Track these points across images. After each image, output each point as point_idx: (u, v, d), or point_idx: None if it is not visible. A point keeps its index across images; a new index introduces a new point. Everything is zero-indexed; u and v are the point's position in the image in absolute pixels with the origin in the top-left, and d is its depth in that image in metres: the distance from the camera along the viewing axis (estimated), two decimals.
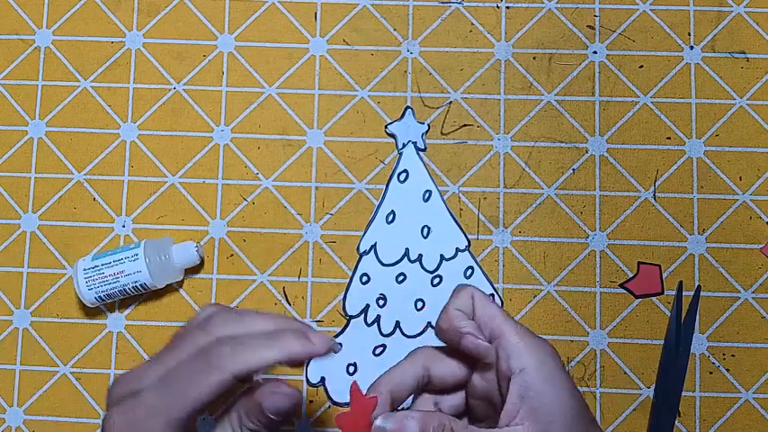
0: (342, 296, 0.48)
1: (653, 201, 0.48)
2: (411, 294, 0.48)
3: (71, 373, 0.48)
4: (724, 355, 0.47)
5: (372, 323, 0.48)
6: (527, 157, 0.49)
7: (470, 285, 0.35)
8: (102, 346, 0.48)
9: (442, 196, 0.48)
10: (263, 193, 0.49)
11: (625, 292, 0.47)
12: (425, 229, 0.48)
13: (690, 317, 0.47)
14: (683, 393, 0.46)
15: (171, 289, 0.48)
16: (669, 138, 0.49)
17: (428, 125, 0.49)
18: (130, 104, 0.50)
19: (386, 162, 0.49)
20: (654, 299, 0.47)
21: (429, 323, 0.47)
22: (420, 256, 0.48)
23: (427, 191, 0.48)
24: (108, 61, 0.51)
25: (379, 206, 0.49)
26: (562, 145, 0.49)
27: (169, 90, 0.50)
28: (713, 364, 0.47)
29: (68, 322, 0.48)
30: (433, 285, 0.48)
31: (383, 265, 0.48)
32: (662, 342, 0.47)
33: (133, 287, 0.46)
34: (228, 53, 0.50)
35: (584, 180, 0.49)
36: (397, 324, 0.47)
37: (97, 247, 0.49)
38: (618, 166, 0.49)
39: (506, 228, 0.48)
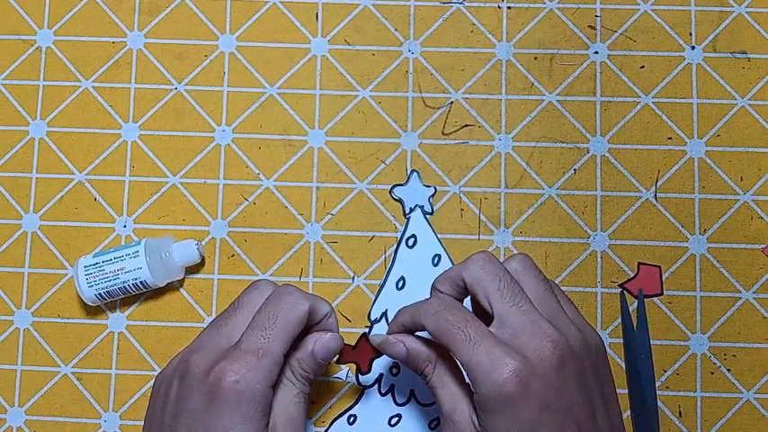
0: (341, 296, 0.48)
1: (654, 201, 0.48)
2: None
3: (72, 373, 0.48)
4: (725, 355, 0.47)
5: (386, 393, 0.46)
6: (528, 158, 0.49)
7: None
8: (104, 346, 0.48)
9: (451, 260, 0.47)
10: (265, 194, 0.49)
11: (626, 292, 0.47)
12: None
13: (641, 323, 0.46)
14: (684, 393, 0.46)
15: (172, 289, 0.48)
16: (670, 138, 0.49)
17: (434, 188, 0.48)
18: (132, 105, 0.50)
19: (387, 162, 0.49)
20: (655, 299, 0.47)
21: None
22: None
23: (436, 255, 0.47)
24: (109, 61, 0.51)
25: (388, 273, 0.47)
26: (563, 145, 0.49)
27: (170, 90, 0.50)
28: (714, 364, 0.47)
29: (69, 322, 0.48)
30: None
31: None
32: (660, 342, 0.47)
33: (133, 284, 0.46)
34: (230, 53, 0.50)
35: (585, 180, 0.49)
36: (412, 393, 0.46)
37: (98, 247, 0.49)
38: (619, 166, 0.49)
39: (507, 228, 0.48)
